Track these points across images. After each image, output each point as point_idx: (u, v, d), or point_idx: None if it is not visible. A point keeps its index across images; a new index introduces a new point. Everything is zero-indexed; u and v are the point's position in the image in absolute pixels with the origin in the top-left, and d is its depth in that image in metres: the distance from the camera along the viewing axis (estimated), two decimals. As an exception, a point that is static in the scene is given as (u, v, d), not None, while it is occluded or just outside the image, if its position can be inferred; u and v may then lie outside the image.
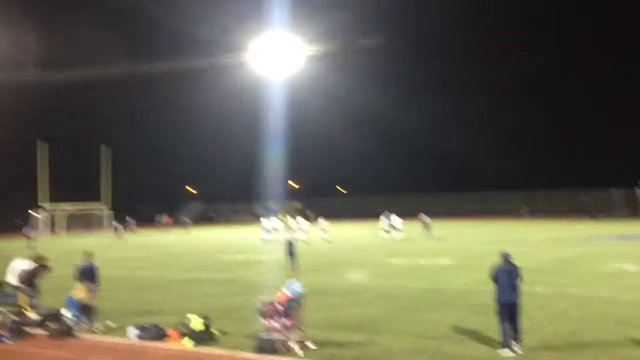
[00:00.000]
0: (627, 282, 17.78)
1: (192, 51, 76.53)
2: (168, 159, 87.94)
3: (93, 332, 12.71)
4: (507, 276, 10.70)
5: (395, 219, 40.59)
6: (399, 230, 40.16)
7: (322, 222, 41.43)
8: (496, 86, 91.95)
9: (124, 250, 35.69)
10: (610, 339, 10.93)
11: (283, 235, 39.12)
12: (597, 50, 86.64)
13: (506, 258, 11.00)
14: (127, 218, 55.51)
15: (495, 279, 10.81)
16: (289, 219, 43.93)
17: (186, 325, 12.12)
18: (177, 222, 64.20)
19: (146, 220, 62.90)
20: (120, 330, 12.75)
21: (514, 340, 10.38)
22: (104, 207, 63.43)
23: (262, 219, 42.78)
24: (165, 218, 61.57)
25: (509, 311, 10.53)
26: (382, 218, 41.96)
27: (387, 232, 40.40)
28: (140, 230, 56.37)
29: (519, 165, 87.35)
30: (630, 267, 21.25)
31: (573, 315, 13.20)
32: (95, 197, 63.01)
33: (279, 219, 44.25)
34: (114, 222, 46.42)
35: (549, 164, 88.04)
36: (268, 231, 40.64)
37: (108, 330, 12.85)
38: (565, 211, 73.48)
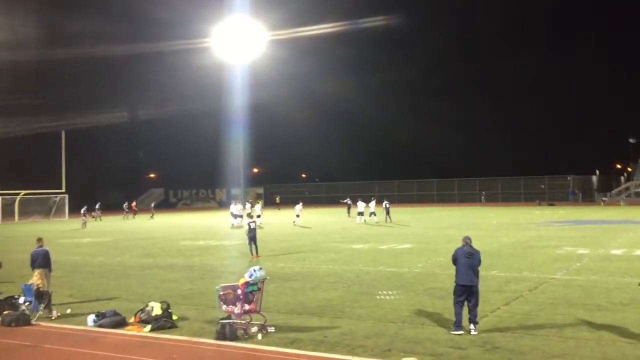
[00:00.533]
0: (579, 265, 18.31)
1: (153, 35, 75.28)
2: (129, 145, 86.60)
3: (49, 319, 12.48)
4: (467, 259, 10.84)
5: (372, 204, 40.83)
6: (374, 214, 40.40)
7: (297, 207, 41.82)
8: (461, 82, 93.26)
9: (83, 236, 35.08)
10: (561, 320, 11.25)
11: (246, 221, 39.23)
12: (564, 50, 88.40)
13: (467, 242, 11.14)
14: (97, 205, 54.87)
15: (454, 261, 10.95)
16: (250, 204, 43.61)
17: (146, 312, 12.02)
18: (140, 209, 63.44)
19: (108, 206, 61.85)
20: (78, 317, 12.57)
21: (471, 323, 10.59)
22: (61, 192, 62.07)
23: (231, 205, 41.98)
24: (133, 205, 60.56)
25: (467, 293, 10.71)
26: (359, 203, 41.49)
27: (362, 215, 40.22)
28: (104, 217, 55.44)
29: (478, 154, 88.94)
30: (583, 250, 21.89)
31: (527, 297, 13.53)
32: (57, 183, 61.55)
33: (249, 204, 43.61)
34: (83, 210, 45.36)
35: (508, 153, 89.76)
36: (236, 217, 39.97)
37: (65, 317, 12.64)
38: (522, 197, 75.10)
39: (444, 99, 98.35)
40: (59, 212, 61.35)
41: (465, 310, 10.73)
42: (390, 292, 14.51)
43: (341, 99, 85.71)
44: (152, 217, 56.15)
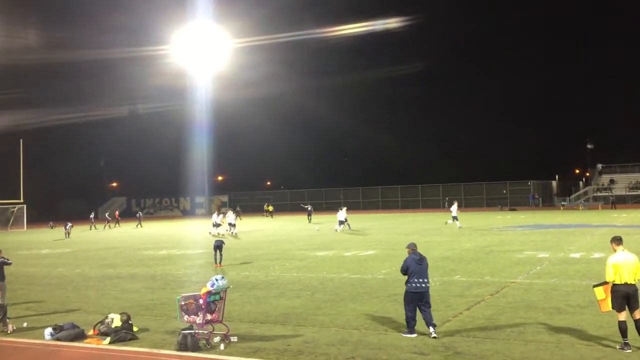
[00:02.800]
0: (540, 269, 18.62)
1: (113, 41, 74.14)
2: (90, 153, 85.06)
3: (5, 333, 12.12)
4: (419, 265, 11.01)
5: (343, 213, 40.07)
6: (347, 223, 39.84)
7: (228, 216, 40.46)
8: (427, 91, 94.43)
9: (42, 248, 34.25)
10: (521, 324, 11.40)
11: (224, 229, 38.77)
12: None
13: (413, 249, 11.33)
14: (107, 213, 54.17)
15: (406, 269, 11.06)
16: (215, 213, 42.89)
17: (105, 324, 11.77)
18: (104, 218, 62.27)
19: (67, 216, 60.49)
20: (35, 331, 12.23)
21: (430, 326, 10.68)
22: (19, 203, 60.49)
23: (213, 214, 40.59)
24: (117, 214, 59.28)
25: (420, 299, 10.87)
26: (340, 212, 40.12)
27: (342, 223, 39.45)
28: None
29: (441, 161, 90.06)
30: (543, 254, 22.27)
31: (489, 302, 13.69)
32: (15, 193, 59.84)
33: (233, 212, 42.38)
34: (68, 225, 44.30)
35: (470, 159, 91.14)
36: (216, 225, 38.60)
37: (21, 331, 12.29)
38: (485, 202, 76.21)
39: (407, 108, 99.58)
40: (17, 222, 59.77)
41: (422, 314, 10.83)
42: (353, 299, 14.50)
43: (306, 106, 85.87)
44: (113, 226, 55.27)
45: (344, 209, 39.99)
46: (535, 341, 10.20)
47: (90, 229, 53.25)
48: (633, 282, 9.51)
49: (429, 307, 10.88)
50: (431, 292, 14.99)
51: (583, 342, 10.05)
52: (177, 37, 57.02)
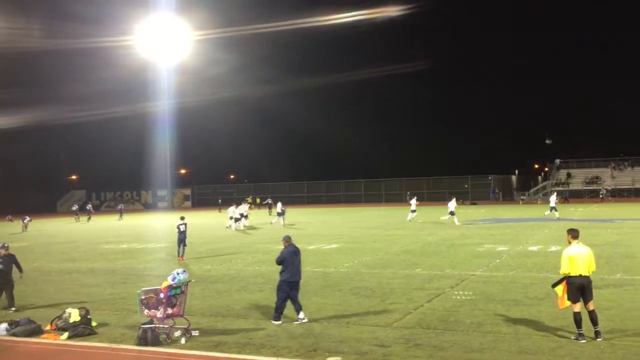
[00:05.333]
0: (499, 262, 18.96)
1: (73, 31, 72.38)
2: (48, 146, 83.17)
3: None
4: (295, 257, 11.63)
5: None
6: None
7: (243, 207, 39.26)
8: (387, 85, 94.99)
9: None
10: (481, 316, 11.60)
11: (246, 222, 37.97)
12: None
13: (288, 241, 11.91)
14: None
15: (282, 260, 11.59)
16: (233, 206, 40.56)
17: (63, 319, 11.55)
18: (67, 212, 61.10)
19: (29, 209, 59.11)
20: (-11, 327, 11.91)
21: (300, 311, 11.47)
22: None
23: (229, 208, 38.50)
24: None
25: (294, 288, 11.53)
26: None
27: None
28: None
29: (404, 155, 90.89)
30: (502, 247, 22.69)
31: (449, 294, 13.88)
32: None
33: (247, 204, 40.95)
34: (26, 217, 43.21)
35: (432, 154, 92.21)
36: (237, 219, 37.23)
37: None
38: (447, 196, 77.09)
39: (371, 104, 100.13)
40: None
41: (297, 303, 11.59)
42: (316, 292, 14.54)
43: (269, 99, 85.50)
44: (78, 219, 54.28)
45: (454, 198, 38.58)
46: (494, 332, 10.39)
47: (88, 221, 52.71)
48: (587, 274, 9.75)
49: (298, 295, 11.65)
50: (394, 285, 15.31)
51: (540, 332, 10.28)
52: (139, 28, 56.11)
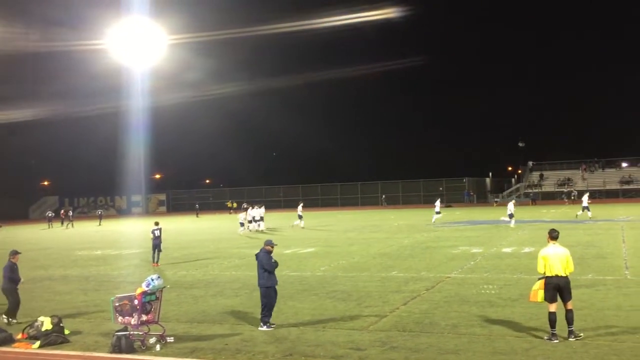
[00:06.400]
0: (473, 263, 19.14)
1: (46, 34, 71.40)
2: (20, 150, 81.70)
3: None
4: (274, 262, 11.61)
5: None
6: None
7: (255, 211, 38.44)
8: (365, 89, 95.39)
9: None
10: (455, 318, 11.69)
11: (255, 226, 37.35)
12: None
13: (268, 244, 11.83)
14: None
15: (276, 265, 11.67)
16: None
17: (34, 327, 11.36)
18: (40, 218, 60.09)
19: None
20: (-42, 336, 11.67)
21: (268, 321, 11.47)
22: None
23: (239, 213, 38.10)
24: (62, 213, 57.29)
25: (276, 292, 11.58)
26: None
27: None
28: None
29: (379, 158, 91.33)
30: (477, 249, 22.91)
31: (424, 296, 13.97)
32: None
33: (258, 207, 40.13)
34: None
35: (407, 157, 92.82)
36: (247, 223, 36.60)
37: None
38: (422, 199, 77.66)
39: (346, 108, 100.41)
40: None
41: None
42: (292, 297, 14.52)
43: (244, 104, 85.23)
44: (50, 225, 53.57)
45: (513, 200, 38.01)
46: (468, 334, 10.48)
47: (67, 228, 52.10)
48: (564, 275, 9.87)
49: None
50: (370, 288, 15.37)
51: (513, 333, 10.39)
52: (112, 32, 55.57)
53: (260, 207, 38.93)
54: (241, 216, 36.81)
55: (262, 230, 36.65)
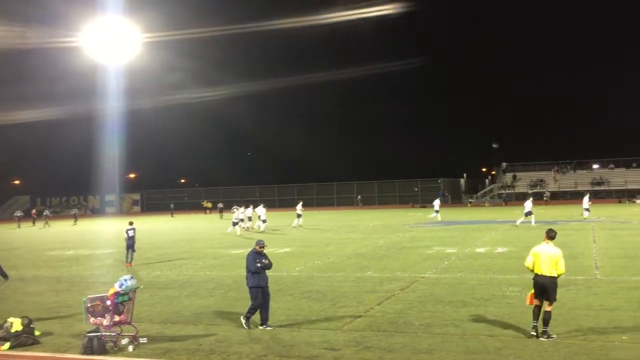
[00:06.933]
0: (447, 263, 19.30)
1: (17, 31, 70.07)
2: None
3: None
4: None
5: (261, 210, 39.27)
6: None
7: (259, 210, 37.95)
8: (337, 88, 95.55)
9: None
10: (429, 317, 11.78)
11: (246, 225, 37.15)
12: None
13: (257, 244, 11.76)
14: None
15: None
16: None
17: (4, 328, 11.16)
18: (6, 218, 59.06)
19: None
20: None
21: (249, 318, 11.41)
22: None
23: (235, 211, 36.91)
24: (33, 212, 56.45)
25: (264, 293, 11.46)
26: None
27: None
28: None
29: (354, 159, 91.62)
30: (451, 250, 23.10)
31: (399, 296, 14.04)
32: None
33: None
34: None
35: (383, 157, 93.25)
36: (239, 222, 35.85)
37: None
38: (397, 199, 78.13)
39: (323, 109, 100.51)
40: None
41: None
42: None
43: (220, 103, 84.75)
44: (19, 225, 52.75)
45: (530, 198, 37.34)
46: (442, 333, 10.56)
47: (44, 226, 51.38)
48: (551, 275, 9.99)
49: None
50: (345, 288, 15.41)
51: (486, 333, 10.50)
52: (86, 29, 54.84)
53: (263, 207, 38.35)
54: (235, 215, 36.45)
55: (262, 231, 36.33)
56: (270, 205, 42.36)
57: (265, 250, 11.92)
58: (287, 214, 61.75)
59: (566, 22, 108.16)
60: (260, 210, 37.57)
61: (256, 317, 11.66)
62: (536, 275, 10.05)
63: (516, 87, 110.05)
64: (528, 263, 10.23)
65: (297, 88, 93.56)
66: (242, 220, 36.36)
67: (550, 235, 10.29)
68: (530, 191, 74.41)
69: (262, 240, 11.78)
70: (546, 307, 9.98)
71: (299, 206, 41.20)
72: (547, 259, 10.01)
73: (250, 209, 38.54)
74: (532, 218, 34.00)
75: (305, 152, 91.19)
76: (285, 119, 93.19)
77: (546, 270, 9.98)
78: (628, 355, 9.05)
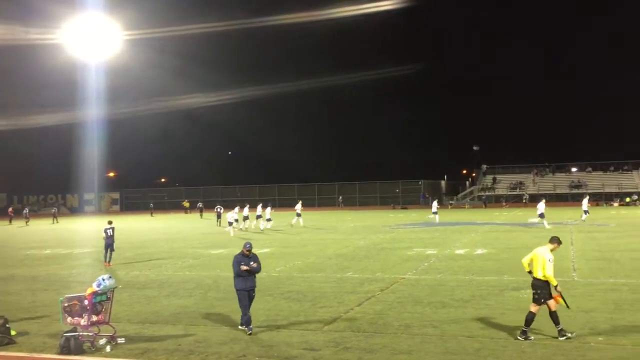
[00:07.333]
0: (427, 265, 19.39)
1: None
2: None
3: None
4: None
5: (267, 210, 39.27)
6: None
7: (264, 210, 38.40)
8: (321, 90, 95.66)
9: None
10: (409, 318, 11.82)
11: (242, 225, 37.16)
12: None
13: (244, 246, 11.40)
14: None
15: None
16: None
17: (-21, 328, 10.99)
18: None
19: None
20: None
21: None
22: None
23: (229, 212, 36.19)
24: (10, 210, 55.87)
25: (250, 297, 11.17)
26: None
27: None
28: None
29: (336, 160, 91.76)
30: (431, 251, 23.21)
31: (379, 297, 14.07)
32: None
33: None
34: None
35: (364, 159, 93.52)
36: (231, 223, 35.02)
37: None
38: (378, 201, 78.36)
39: (305, 110, 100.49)
40: None
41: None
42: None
43: (201, 102, 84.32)
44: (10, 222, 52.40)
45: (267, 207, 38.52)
46: (421, 334, 10.61)
47: (26, 224, 51.12)
48: (535, 276, 10.09)
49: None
50: (325, 288, 15.41)
51: (465, 334, 10.57)
52: (66, 26, 54.23)
53: (267, 207, 38.69)
54: (229, 215, 35.72)
55: (262, 230, 36.56)
56: (250, 206, 42.15)
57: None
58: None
59: (554, 26, 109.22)
60: (266, 210, 38.13)
61: (237, 317, 11.62)
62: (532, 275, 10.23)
63: (498, 91, 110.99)
64: (524, 260, 10.41)
65: (280, 88, 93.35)
66: (236, 220, 36.21)
67: (550, 240, 10.40)
68: (509, 193, 75.06)
69: (250, 243, 11.37)
70: (531, 307, 10.06)
71: (299, 206, 41.84)
72: (536, 260, 10.15)
73: (247, 209, 38.57)
74: (545, 221, 33.16)
75: (287, 153, 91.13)
76: (267, 119, 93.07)
77: (534, 271, 10.14)
78: (604, 356, 9.16)
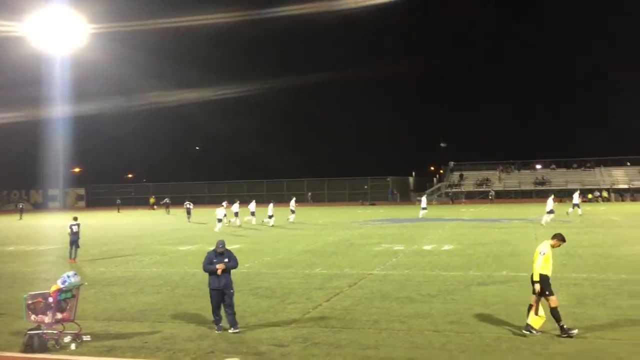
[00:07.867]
0: (395, 260, 19.56)
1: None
2: None
3: None
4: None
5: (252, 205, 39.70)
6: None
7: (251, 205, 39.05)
8: (292, 87, 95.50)
9: None
10: (376, 314, 11.92)
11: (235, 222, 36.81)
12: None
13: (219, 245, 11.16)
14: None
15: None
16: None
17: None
18: None
19: None
20: None
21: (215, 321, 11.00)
22: None
23: (218, 208, 35.61)
24: None
25: (225, 295, 10.87)
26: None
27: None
28: None
29: (305, 156, 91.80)
30: (399, 247, 23.42)
31: (347, 293, 14.16)
32: None
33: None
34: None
35: (333, 155, 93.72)
36: (221, 220, 34.82)
37: None
38: (347, 197, 78.65)
39: (274, 106, 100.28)
40: None
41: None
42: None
43: (169, 97, 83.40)
44: None
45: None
46: (388, 329, 10.71)
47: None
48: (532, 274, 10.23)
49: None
50: (294, 285, 15.44)
51: (431, 328, 10.70)
52: (29, 18, 53.05)
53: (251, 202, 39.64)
54: (219, 212, 35.35)
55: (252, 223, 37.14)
56: (219, 202, 41.84)
57: (212, 247, 11.66)
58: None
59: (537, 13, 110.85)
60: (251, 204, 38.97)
61: (205, 314, 11.56)
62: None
63: (464, 87, 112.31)
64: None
65: (250, 84, 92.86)
66: (225, 216, 36.04)
67: (553, 236, 10.56)
68: (476, 189, 76.06)
69: (223, 241, 11.21)
70: (550, 303, 10.05)
71: (292, 202, 41.76)
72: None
73: (237, 205, 38.28)
74: (546, 217, 32.94)
75: (255, 148, 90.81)
76: (235, 114, 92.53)
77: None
78: (566, 348, 9.38)
